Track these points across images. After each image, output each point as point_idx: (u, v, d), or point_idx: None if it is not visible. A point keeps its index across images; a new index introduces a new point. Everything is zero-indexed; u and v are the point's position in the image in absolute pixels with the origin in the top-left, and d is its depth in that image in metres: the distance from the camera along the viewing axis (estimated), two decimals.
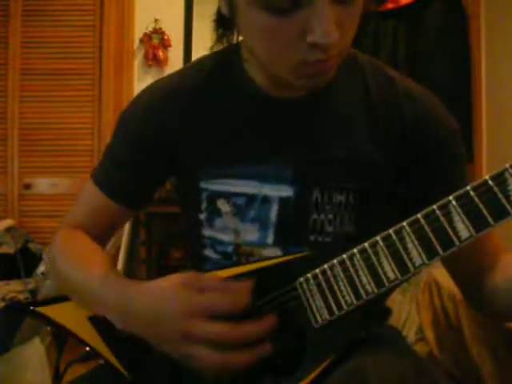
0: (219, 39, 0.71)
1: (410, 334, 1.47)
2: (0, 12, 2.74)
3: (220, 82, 0.73)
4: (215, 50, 0.73)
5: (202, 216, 0.75)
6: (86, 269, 0.70)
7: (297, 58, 0.58)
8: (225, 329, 0.56)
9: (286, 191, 0.70)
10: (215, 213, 0.73)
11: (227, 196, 0.72)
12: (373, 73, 0.73)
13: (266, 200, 0.71)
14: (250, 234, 0.72)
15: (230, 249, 0.73)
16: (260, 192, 0.71)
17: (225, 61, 0.74)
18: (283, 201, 0.70)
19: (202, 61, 0.77)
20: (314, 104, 0.70)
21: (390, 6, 2.52)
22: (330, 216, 0.70)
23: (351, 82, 0.72)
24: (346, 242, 0.59)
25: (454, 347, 1.25)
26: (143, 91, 0.78)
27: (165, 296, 0.60)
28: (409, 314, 1.52)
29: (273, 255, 0.70)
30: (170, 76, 0.78)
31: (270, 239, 0.71)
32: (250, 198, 0.71)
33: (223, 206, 0.72)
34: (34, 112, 2.76)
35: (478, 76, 2.56)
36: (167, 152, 0.75)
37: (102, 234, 0.80)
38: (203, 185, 0.73)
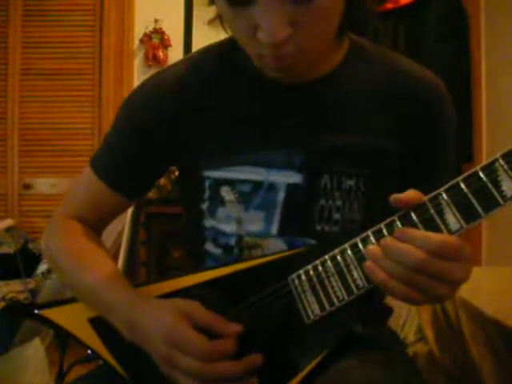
0: (217, 17, 0.69)
1: (410, 334, 1.47)
2: (0, 12, 2.74)
3: (225, 70, 0.73)
4: (213, 24, 0.72)
5: (204, 206, 0.74)
6: (95, 274, 0.71)
7: (254, 51, 0.60)
8: (201, 367, 0.58)
9: (294, 177, 0.70)
10: (218, 201, 0.72)
11: (231, 183, 0.71)
12: (380, 59, 0.73)
13: (272, 187, 0.70)
14: (254, 223, 0.71)
15: (232, 241, 0.72)
16: (266, 178, 0.70)
17: (231, 48, 0.73)
18: (291, 187, 0.70)
19: (207, 50, 0.76)
20: (321, 89, 0.70)
21: (390, 5, 2.52)
22: (339, 203, 0.70)
23: (359, 68, 0.72)
24: (352, 231, 0.59)
25: (454, 347, 1.25)
26: (146, 81, 0.77)
27: (158, 318, 0.62)
28: (409, 314, 1.51)
29: (276, 247, 0.70)
30: (175, 65, 0.77)
31: (275, 229, 0.70)
32: (256, 185, 0.70)
33: (227, 193, 0.72)
34: (34, 112, 2.76)
35: (478, 76, 2.56)
36: (169, 141, 0.74)
37: (98, 224, 0.80)
38: (206, 173, 0.72)
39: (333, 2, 0.57)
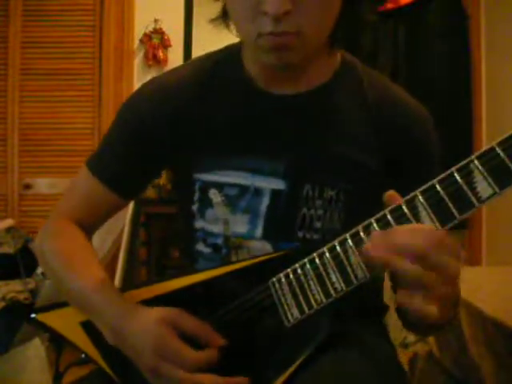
0: (219, 15, 0.71)
1: (410, 334, 1.47)
2: (0, 12, 2.74)
3: (218, 78, 0.75)
4: (213, 24, 0.73)
5: (195, 207, 0.76)
6: (83, 278, 0.72)
7: (254, 30, 0.61)
8: (186, 376, 0.60)
9: (278, 184, 0.72)
10: (207, 203, 0.75)
11: (219, 186, 0.73)
12: (370, 81, 0.74)
13: (257, 192, 0.72)
14: (240, 225, 0.73)
15: (219, 241, 0.75)
16: (252, 183, 0.72)
17: (225, 57, 0.76)
18: (275, 193, 0.72)
19: (207, 56, 0.78)
20: (310, 101, 0.72)
21: (390, 5, 2.52)
22: (320, 212, 0.72)
23: (349, 86, 0.74)
24: (332, 239, 0.59)
25: (454, 347, 1.25)
26: (146, 84, 0.79)
27: (145, 329, 0.64)
28: None
29: (261, 248, 0.72)
30: (174, 71, 0.80)
31: (259, 232, 0.73)
32: (242, 189, 0.73)
33: (214, 196, 0.74)
34: (33, 112, 2.76)
35: (478, 76, 2.56)
36: (163, 144, 0.76)
37: (92, 223, 0.81)
38: (196, 175, 0.75)
39: None
